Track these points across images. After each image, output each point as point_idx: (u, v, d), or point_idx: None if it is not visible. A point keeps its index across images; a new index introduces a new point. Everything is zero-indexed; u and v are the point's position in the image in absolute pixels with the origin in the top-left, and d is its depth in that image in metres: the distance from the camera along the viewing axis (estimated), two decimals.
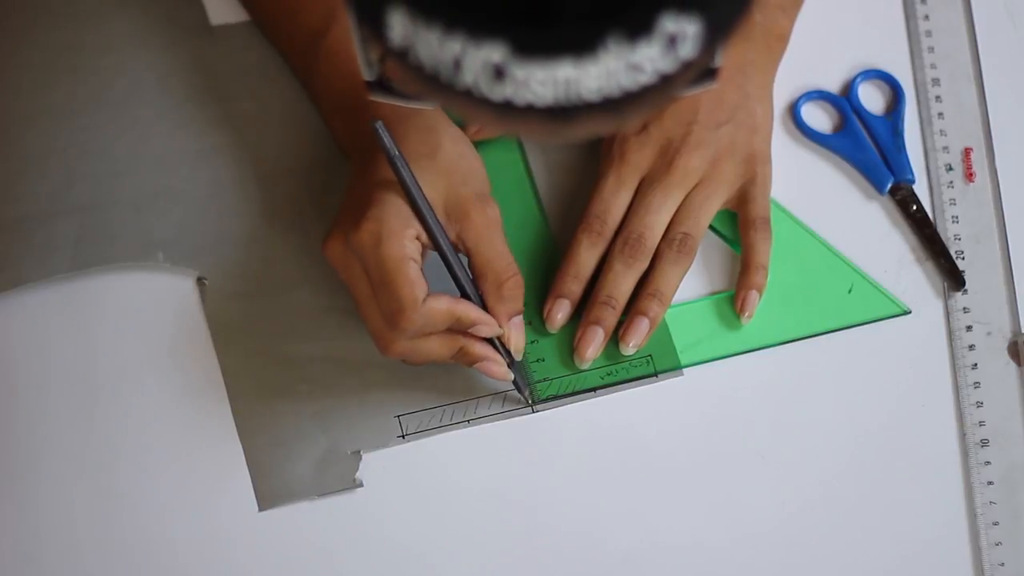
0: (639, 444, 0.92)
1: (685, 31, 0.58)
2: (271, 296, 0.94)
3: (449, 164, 0.88)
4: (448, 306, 0.85)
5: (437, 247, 0.86)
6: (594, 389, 0.93)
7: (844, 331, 0.95)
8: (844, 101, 1.00)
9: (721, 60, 0.65)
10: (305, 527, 0.90)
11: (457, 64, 0.57)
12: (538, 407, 0.92)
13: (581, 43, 0.57)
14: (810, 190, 0.98)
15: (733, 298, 0.94)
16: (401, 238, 0.84)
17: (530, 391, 0.92)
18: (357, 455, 0.91)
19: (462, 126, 0.92)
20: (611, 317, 0.92)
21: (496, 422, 0.92)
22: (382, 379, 0.92)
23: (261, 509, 0.90)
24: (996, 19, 1.02)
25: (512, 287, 0.88)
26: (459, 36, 0.57)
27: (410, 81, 0.60)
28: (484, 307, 0.88)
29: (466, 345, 0.87)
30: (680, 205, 0.93)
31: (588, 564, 0.90)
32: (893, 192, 0.98)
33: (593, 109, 0.59)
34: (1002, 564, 0.90)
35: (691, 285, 0.95)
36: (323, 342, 0.92)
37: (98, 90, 0.97)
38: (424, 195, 0.85)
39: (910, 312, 0.95)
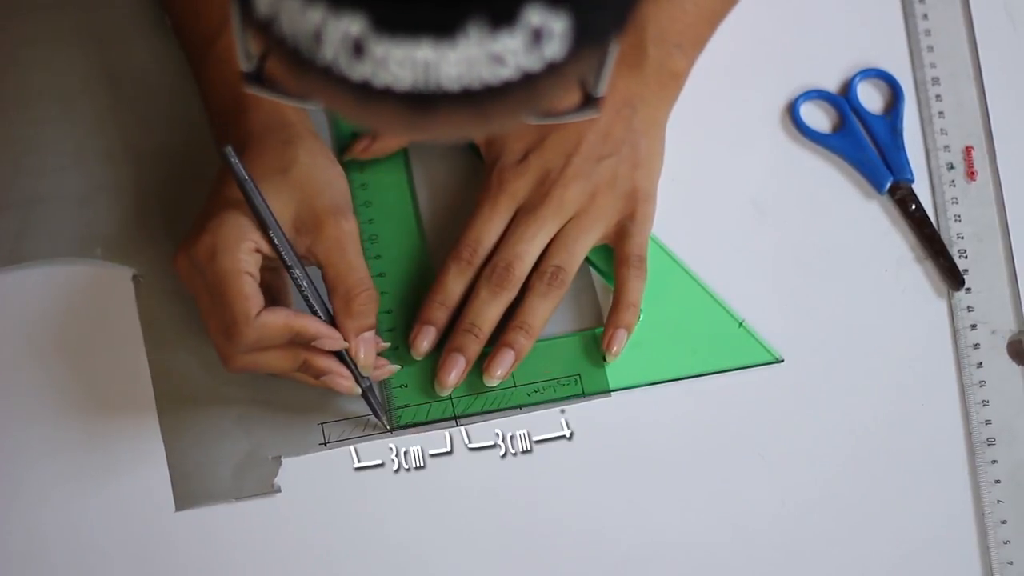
0: (640, 443, 0.92)
1: (551, 27, 0.57)
2: None
3: (303, 178, 0.87)
4: (285, 320, 0.85)
5: (281, 260, 0.86)
6: (520, 407, 0.92)
7: (842, 333, 0.94)
8: (843, 100, 0.99)
9: (604, 89, 0.64)
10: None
11: (318, 36, 0.57)
12: (397, 432, 0.91)
13: (440, 24, 0.56)
14: (809, 190, 0.98)
15: (601, 336, 0.92)
16: (236, 251, 0.84)
17: (388, 416, 0.91)
18: (277, 460, 0.90)
19: (352, 136, 0.93)
20: (474, 345, 0.91)
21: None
22: (308, 386, 0.90)
23: (178, 509, 0.90)
24: (995, 18, 1.01)
25: (363, 302, 0.87)
26: (320, 4, 0.56)
27: (277, 59, 0.60)
28: (333, 322, 0.87)
29: (309, 358, 0.86)
30: (554, 237, 0.92)
31: (588, 565, 0.90)
32: (892, 191, 0.97)
33: (453, 101, 0.58)
34: (1010, 563, 0.90)
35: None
36: None
37: (50, 84, 0.97)
38: (271, 211, 0.85)
39: (783, 361, 0.93)
